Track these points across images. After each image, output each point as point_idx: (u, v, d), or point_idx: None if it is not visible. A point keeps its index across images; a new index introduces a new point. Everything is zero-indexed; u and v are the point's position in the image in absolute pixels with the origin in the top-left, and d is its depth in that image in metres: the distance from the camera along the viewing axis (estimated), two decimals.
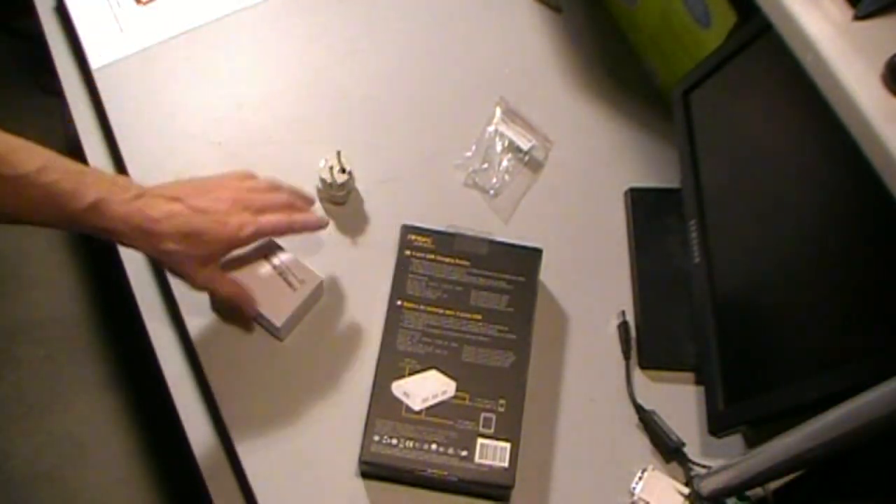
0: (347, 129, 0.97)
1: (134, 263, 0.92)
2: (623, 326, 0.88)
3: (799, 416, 0.64)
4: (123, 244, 0.74)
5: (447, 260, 0.85)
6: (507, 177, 0.95)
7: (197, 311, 0.85)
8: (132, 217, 0.71)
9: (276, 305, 0.82)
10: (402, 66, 1.02)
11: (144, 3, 1.02)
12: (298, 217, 0.82)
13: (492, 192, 0.94)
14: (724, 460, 0.77)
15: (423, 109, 0.99)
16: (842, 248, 0.67)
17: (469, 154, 0.96)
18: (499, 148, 0.96)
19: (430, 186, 0.95)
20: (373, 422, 0.78)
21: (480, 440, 0.78)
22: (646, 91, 1.02)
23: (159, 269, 0.91)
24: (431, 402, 0.79)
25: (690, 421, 0.84)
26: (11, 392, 1.49)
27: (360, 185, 0.93)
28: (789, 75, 0.69)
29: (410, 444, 0.77)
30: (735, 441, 0.83)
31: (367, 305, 0.86)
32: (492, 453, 0.78)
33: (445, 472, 0.77)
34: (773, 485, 0.77)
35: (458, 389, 0.80)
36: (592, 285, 0.91)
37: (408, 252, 0.85)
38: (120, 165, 0.95)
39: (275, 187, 0.82)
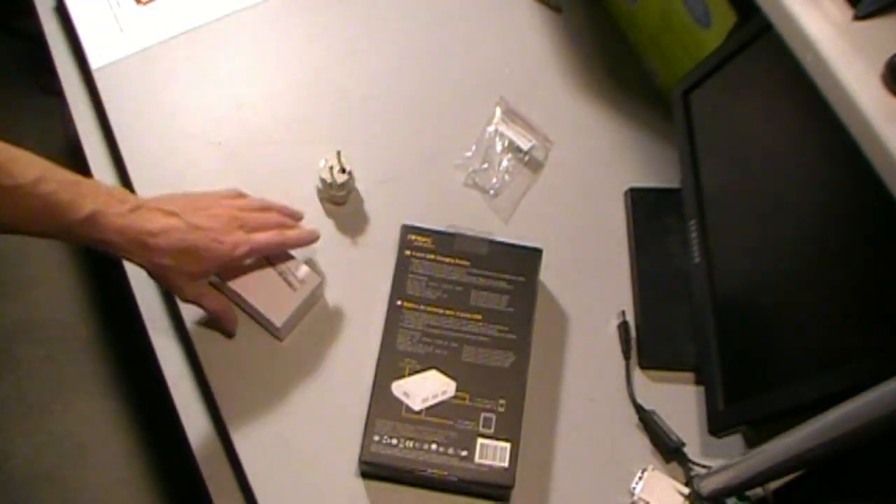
0: (347, 129, 0.97)
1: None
2: (623, 326, 0.88)
3: (799, 416, 0.64)
4: (118, 256, 0.74)
5: (447, 260, 0.85)
6: (507, 177, 0.95)
7: (197, 311, 0.85)
8: (128, 230, 0.72)
9: (276, 305, 0.82)
10: (402, 66, 1.02)
11: (144, 3, 1.02)
12: (291, 234, 0.83)
13: (492, 192, 0.94)
14: (724, 460, 0.77)
15: (423, 109, 0.99)
16: (842, 248, 0.67)
17: (469, 154, 0.96)
18: (499, 148, 0.96)
19: (430, 186, 0.95)
20: (373, 422, 0.78)
21: (480, 440, 0.78)
22: (646, 91, 1.02)
23: None
24: (431, 402, 0.79)
25: (690, 421, 0.84)
26: (11, 392, 1.49)
27: (360, 185, 0.93)
28: (789, 75, 0.69)
29: (410, 444, 0.77)
30: (735, 441, 0.83)
31: (367, 305, 0.86)
32: (492, 453, 0.78)
33: (445, 472, 0.77)
34: (773, 485, 0.77)
35: (458, 389, 0.80)
36: (592, 285, 0.91)
37: (408, 252, 0.85)
38: (120, 165, 0.95)
39: (266, 206, 0.84)
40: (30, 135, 1.67)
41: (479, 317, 0.83)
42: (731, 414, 0.77)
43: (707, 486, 0.76)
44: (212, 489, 0.83)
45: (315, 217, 0.91)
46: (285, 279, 0.83)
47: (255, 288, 0.82)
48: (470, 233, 0.86)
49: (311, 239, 0.85)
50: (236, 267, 0.82)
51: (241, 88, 0.98)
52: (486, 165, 0.96)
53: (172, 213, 0.75)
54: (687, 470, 0.81)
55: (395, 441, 0.77)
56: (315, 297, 0.85)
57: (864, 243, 0.65)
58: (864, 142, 0.53)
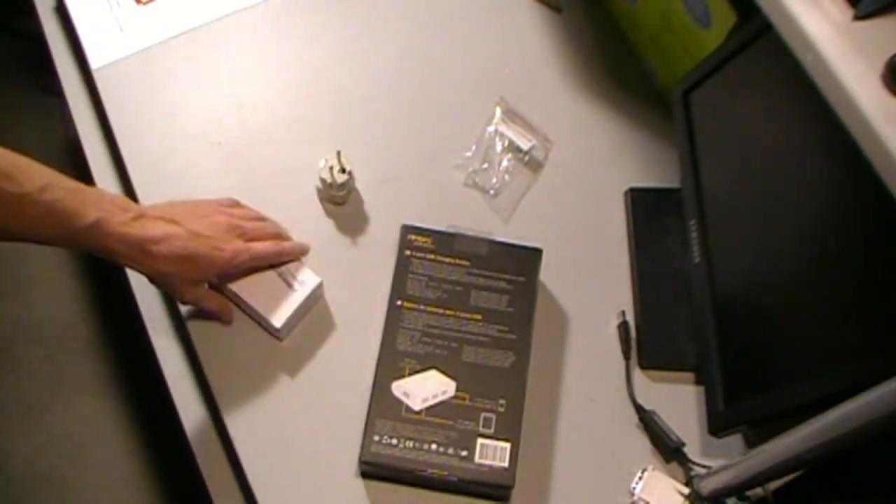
0: (347, 129, 0.97)
1: None
2: (623, 326, 0.88)
3: (799, 416, 0.64)
4: (120, 264, 0.75)
5: (447, 260, 0.85)
6: (507, 177, 0.95)
7: (197, 311, 0.85)
8: (131, 237, 0.72)
9: (275, 306, 0.82)
10: (402, 66, 1.02)
11: (144, 3, 1.01)
12: (287, 245, 0.85)
13: (492, 192, 0.94)
14: (724, 460, 0.77)
15: (423, 109, 0.99)
16: (842, 249, 0.67)
17: (469, 154, 0.96)
18: (499, 148, 0.96)
19: (430, 186, 0.95)
20: (373, 422, 0.78)
21: (480, 440, 0.78)
22: (646, 91, 1.02)
23: None
24: (431, 402, 0.79)
25: (690, 421, 0.84)
26: (11, 392, 1.49)
27: (360, 185, 0.93)
28: (789, 75, 0.69)
29: (410, 444, 0.77)
30: (735, 441, 0.83)
31: (367, 305, 0.86)
32: (492, 453, 0.78)
33: (445, 472, 0.77)
34: (773, 485, 0.77)
35: (458, 389, 0.80)
36: (592, 285, 0.91)
37: (408, 252, 0.85)
38: (120, 165, 0.95)
39: (261, 217, 0.86)
40: (30, 135, 1.67)
41: (479, 317, 0.83)
42: (731, 414, 0.77)
43: (707, 486, 0.76)
44: (212, 489, 0.83)
45: (315, 217, 0.91)
46: (285, 280, 0.83)
47: (255, 289, 0.82)
48: (470, 233, 0.86)
49: (305, 252, 0.87)
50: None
51: (241, 88, 0.98)
52: (486, 165, 0.96)
53: (173, 221, 0.76)
54: (687, 470, 0.81)
55: (395, 441, 0.77)
56: (315, 297, 0.85)
57: (864, 243, 0.65)
58: (864, 142, 0.53)
